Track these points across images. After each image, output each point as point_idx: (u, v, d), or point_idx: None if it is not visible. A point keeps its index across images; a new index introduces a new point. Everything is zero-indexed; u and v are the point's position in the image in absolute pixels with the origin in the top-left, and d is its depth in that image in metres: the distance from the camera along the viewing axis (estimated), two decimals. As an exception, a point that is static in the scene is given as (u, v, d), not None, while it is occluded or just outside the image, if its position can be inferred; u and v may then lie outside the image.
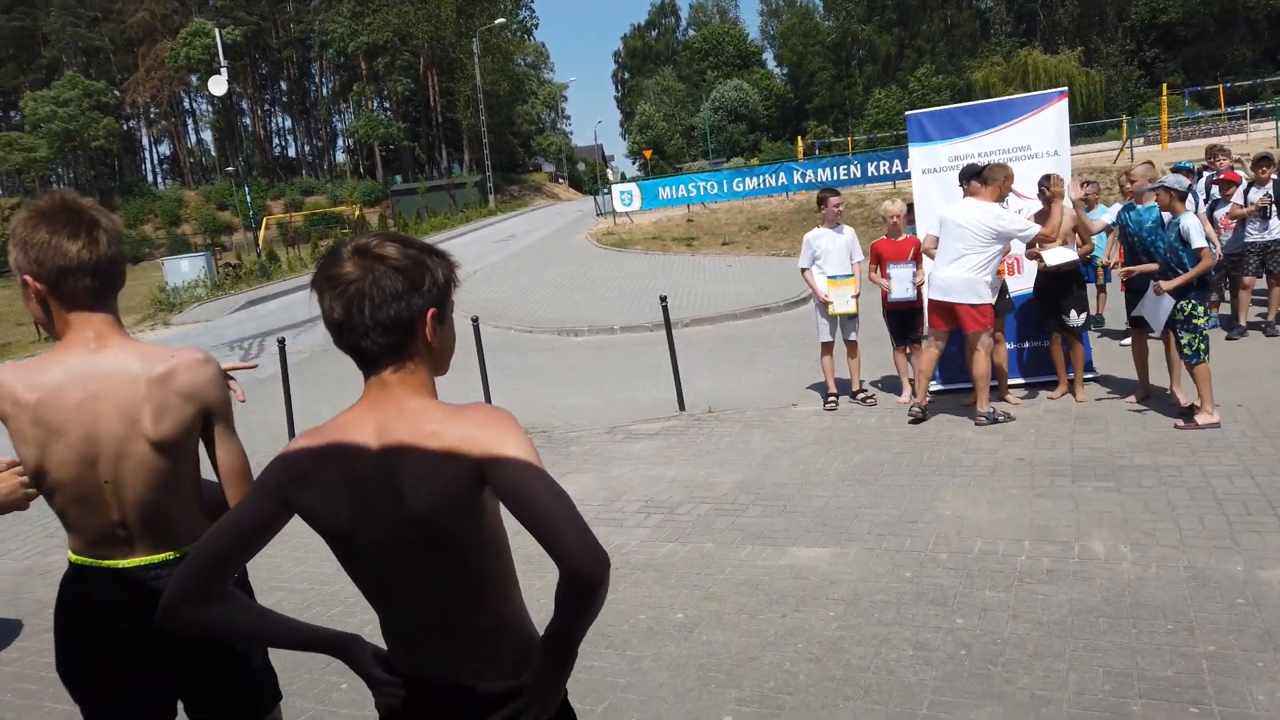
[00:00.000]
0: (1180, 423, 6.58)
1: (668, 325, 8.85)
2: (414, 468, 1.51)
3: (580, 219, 34.15)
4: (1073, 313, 7.44)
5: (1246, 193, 9.30)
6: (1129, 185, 7.54)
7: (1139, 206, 7.07)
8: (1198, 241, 6.45)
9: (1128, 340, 9.07)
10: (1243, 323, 9.36)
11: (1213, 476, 5.53)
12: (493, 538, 1.61)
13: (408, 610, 1.63)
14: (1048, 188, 7.55)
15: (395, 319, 1.53)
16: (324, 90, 72.58)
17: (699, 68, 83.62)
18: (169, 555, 2.09)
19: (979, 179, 7.20)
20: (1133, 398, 7.36)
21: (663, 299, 8.95)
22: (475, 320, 9.60)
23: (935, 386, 8.36)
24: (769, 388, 9.50)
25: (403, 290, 1.53)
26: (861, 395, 8.35)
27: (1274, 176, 9.24)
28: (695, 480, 6.60)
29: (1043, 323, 7.75)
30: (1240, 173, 9.77)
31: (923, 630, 4.04)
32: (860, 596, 4.45)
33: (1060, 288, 7.51)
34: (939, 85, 64.24)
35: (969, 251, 7.07)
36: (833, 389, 8.39)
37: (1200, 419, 6.47)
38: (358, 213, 45.49)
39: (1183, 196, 6.67)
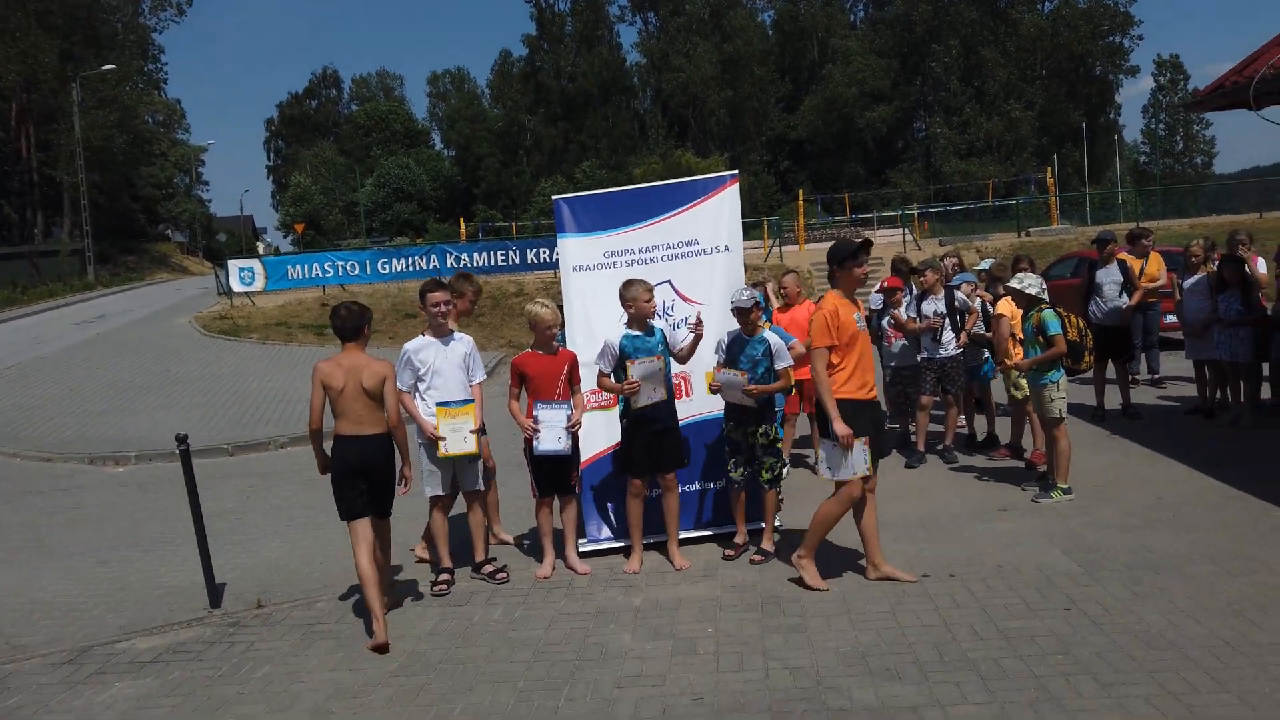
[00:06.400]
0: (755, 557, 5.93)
1: (187, 471, 5.85)
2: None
3: (201, 297, 29.05)
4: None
5: (919, 301, 8.32)
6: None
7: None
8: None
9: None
10: (921, 448, 8.29)
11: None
12: None
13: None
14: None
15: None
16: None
17: (363, 142, 79.59)
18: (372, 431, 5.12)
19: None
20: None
21: (180, 439, 5.91)
22: None
23: (588, 546, 6.28)
24: (366, 551, 6.80)
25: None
26: (490, 569, 5.98)
27: (947, 285, 8.37)
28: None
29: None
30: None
31: None
32: None
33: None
34: (603, 179, 66.00)
35: None
36: (446, 562, 5.93)
37: (767, 544, 5.95)
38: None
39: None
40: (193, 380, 14.92)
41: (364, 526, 5.15)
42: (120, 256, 52.37)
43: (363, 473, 5.12)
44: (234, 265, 24.39)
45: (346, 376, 5.10)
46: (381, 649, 4.88)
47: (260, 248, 74.46)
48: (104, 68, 44.42)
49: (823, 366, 5.27)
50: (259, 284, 23.73)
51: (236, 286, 23.71)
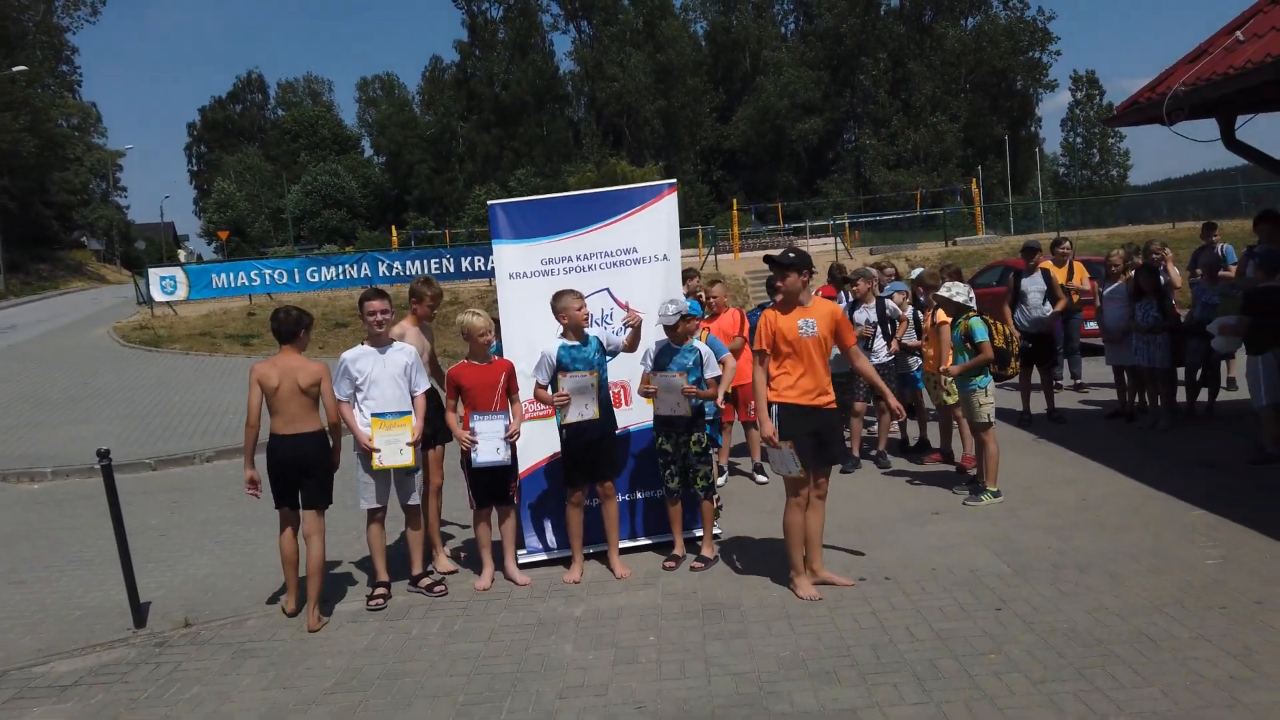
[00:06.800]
0: (697, 563, 5.96)
1: (110, 486, 5.64)
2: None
3: (119, 307, 28.10)
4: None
5: (851, 310, 8.47)
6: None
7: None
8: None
9: (763, 478, 8.05)
10: (855, 453, 8.43)
11: (906, 730, 3.79)
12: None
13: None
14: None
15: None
16: None
17: (290, 148, 77.80)
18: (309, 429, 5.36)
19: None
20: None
21: (101, 454, 5.71)
22: None
23: (527, 557, 6.22)
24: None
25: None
26: (427, 583, 5.88)
27: (878, 294, 8.55)
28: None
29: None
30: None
31: None
32: None
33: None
34: (537, 187, 65.71)
35: None
36: (383, 575, 5.83)
37: (707, 552, 6.03)
38: None
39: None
40: (112, 393, 14.40)
41: (291, 512, 5.52)
42: (32, 265, 50.33)
43: (298, 467, 5.38)
44: (155, 273, 23.64)
45: (282, 376, 5.34)
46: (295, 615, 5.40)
47: (182, 255, 72.39)
48: (14, 69, 42.70)
49: (758, 370, 5.39)
50: (181, 293, 23.03)
51: (158, 295, 22.97)
